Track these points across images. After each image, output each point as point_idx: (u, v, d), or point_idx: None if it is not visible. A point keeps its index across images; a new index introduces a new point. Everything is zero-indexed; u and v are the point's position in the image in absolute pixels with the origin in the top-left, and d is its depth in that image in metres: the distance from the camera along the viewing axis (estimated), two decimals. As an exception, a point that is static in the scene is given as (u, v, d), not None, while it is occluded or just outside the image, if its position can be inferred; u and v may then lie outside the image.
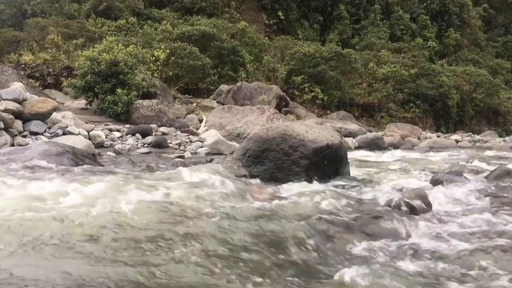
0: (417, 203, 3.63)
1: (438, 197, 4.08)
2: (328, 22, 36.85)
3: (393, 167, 7.26)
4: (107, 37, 14.13)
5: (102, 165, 5.61)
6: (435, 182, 4.87)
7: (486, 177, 5.39)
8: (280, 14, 34.28)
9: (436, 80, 23.38)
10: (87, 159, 5.45)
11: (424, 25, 39.86)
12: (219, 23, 24.35)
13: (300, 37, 32.74)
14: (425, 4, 41.70)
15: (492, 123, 27.36)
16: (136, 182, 3.89)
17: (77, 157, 5.23)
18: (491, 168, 6.27)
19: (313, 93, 19.69)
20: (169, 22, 23.43)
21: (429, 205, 3.70)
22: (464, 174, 5.51)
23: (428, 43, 37.90)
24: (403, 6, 40.40)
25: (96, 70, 12.00)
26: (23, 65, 15.89)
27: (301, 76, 19.88)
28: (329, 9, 36.72)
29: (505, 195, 4.37)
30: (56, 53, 17.25)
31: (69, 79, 13.26)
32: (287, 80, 20.58)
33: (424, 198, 3.74)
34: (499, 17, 50.25)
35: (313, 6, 35.92)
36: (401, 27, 38.45)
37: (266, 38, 28.84)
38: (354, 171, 5.84)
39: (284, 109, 16.76)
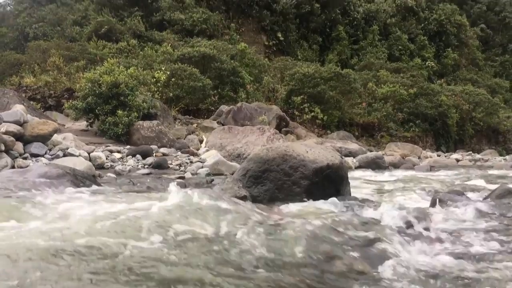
0: (418, 223, 3.61)
1: (439, 216, 4.07)
2: (327, 43, 37.24)
3: (394, 186, 7.25)
4: (108, 59, 14.27)
5: (102, 186, 5.60)
6: (436, 201, 4.85)
7: (487, 197, 5.38)
8: (280, 35, 34.66)
9: (435, 100, 23.50)
10: (88, 180, 5.45)
11: (422, 45, 40.28)
12: (219, 45, 24.61)
13: (300, 57, 33.03)
14: (422, 25, 42.22)
15: (492, 142, 27.39)
16: (131, 202, 3.88)
17: (78, 179, 5.23)
18: (492, 187, 6.26)
19: (313, 113, 19.77)
20: (169, 44, 23.69)
21: (430, 225, 3.69)
22: (465, 193, 5.50)
23: (427, 63, 38.24)
24: (401, 27, 40.88)
25: (97, 92, 12.08)
26: (24, 88, 16.01)
27: (301, 96, 19.99)
28: (328, 30, 37.15)
29: (506, 214, 4.36)
30: (58, 75, 17.39)
31: (70, 101, 13.34)
32: (287, 100, 20.69)
33: (425, 217, 3.73)
34: (497, 37, 50.82)
35: (312, 27, 36.35)
36: (400, 47, 38.84)
37: (266, 59, 29.13)
38: (355, 191, 5.82)
39: (284, 129, 16.80)
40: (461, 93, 26.61)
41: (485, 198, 5.29)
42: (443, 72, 39.72)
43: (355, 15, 38.49)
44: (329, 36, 37.17)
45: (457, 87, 29.45)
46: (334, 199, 4.90)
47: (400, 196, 6.01)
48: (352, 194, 5.42)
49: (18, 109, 8.44)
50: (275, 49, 34.64)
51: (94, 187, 5.24)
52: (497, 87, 37.38)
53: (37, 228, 3.03)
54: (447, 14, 42.57)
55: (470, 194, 5.65)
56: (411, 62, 37.10)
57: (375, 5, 40.32)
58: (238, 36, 31.97)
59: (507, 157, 18.27)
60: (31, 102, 13.91)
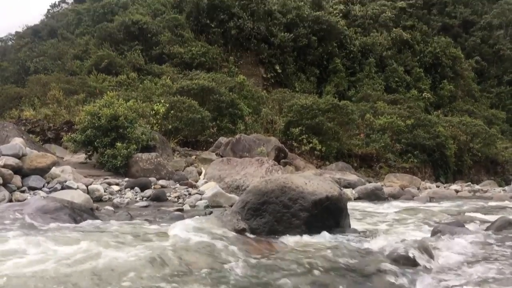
0: (419, 255, 3.58)
1: (440, 248, 4.03)
2: (325, 75, 37.72)
3: (394, 218, 7.20)
4: (108, 92, 14.40)
5: (100, 219, 5.56)
6: (437, 233, 4.82)
7: (487, 228, 5.34)
8: (277, 67, 35.14)
9: (432, 131, 23.62)
10: (85, 213, 5.41)
11: (418, 77, 40.81)
12: (217, 77, 24.90)
13: (297, 89, 33.37)
14: (418, 57, 42.91)
15: (490, 173, 27.38)
16: (129, 238, 3.85)
17: (75, 212, 5.20)
18: (492, 218, 6.23)
19: (311, 144, 19.81)
20: (168, 77, 23.96)
21: (431, 257, 3.65)
22: (465, 225, 5.46)
23: (423, 95, 38.62)
24: (397, 60, 41.51)
25: (96, 124, 12.13)
26: (24, 121, 16.08)
27: (299, 128, 20.08)
28: (325, 62, 37.69)
29: (507, 246, 4.32)
30: (57, 108, 17.50)
31: (69, 133, 13.37)
32: (285, 131, 20.78)
33: (426, 249, 3.69)
34: (491, 69, 51.56)
35: (309, 60, 36.89)
36: (396, 79, 39.32)
37: (264, 91, 29.43)
38: (354, 223, 5.79)
39: (282, 160, 16.80)
40: (458, 124, 26.78)
41: (485, 230, 5.26)
42: (439, 103, 40.07)
43: (352, 48, 39.13)
44: (326, 68, 37.68)
45: (454, 118, 29.65)
46: (334, 231, 4.87)
47: (401, 228, 5.97)
48: (352, 226, 5.39)
49: (17, 142, 8.45)
50: (273, 81, 35.05)
51: (90, 221, 5.21)
52: (494, 118, 37.66)
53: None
54: (442, 47, 43.31)
55: (470, 226, 5.62)
56: (408, 94, 37.47)
57: (371, 38, 41.05)
58: (237, 69, 32.40)
59: (506, 187, 18.21)
60: (30, 135, 13.95)
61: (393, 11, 47.24)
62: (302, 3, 40.39)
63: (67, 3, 52.58)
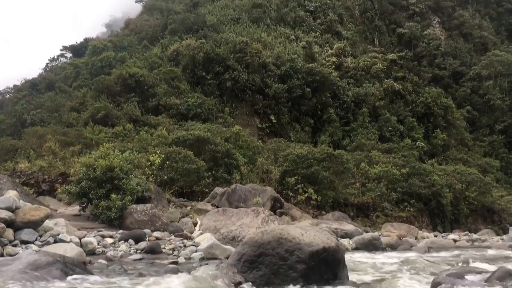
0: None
1: (440, 301, 3.95)
2: (319, 124, 38.16)
3: (392, 269, 7.08)
4: (104, 143, 14.46)
5: (92, 274, 5.44)
6: (437, 285, 4.73)
7: (487, 279, 5.26)
8: (272, 118, 35.59)
9: (428, 179, 23.65)
10: (78, 268, 5.30)
11: (412, 126, 41.36)
12: (213, 128, 25.12)
13: (292, 139, 33.63)
14: (410, 107, 43.68)
15: (488, 221, 27.20)
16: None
17: (67, 267, 5.09)
18: (492, 268, 6.14)
19: (307, 194, 19.74)
20: (164, 128, 24.15)
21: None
22: (465, 276, 5.38)
23: (417, 144, 38.99)
24: (390, 109, 42.19)
25: (91, 176, 12.09)
26: (18, 173, 16.00)
27: (295, 177, 20.07)
28: (319, 112, 38.24)
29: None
30: (53, 160, 17.48)
31: (64, 185, 13.29)
32: (281, 181, 20.74)
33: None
34: (483, 118, 52.39)
35: (304, 110, 37.43)
36: (390, 128, 39.81)
37: (259, 141, 29.63)
38: (352, 275, 5.68)
39: (278, 210, 16.67)
40: (453, 173, 26.86)
41: (486, 281, 5.17)
42: (433, 152, 40.37)
43: (345, 99, 39.84)
44: (320, 118, 38.18)
45: (448, 167, 29.78)
46: (332, 284, 4.78)
47: (400, 280, 5.87)
48: (350, 278, 5.29)
49: (11, 195, 8.39)
50: (268, 131, 35.39)
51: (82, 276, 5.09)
52: (488, 167, 37.84)
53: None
54: (433, 97, 44.20)
55: (470, 277, 5.52)
56: (402, 143, 37.80)
57: (363, 89, 41.89)
58: (232, 119, 32.76)
59: (504, 236, 18.06)
60: (25, 188, 13.84)
61: (384, 63, 48.47)
62: (296, 55, 41.48)
63: (66, 57, 53.73)
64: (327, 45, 49.43)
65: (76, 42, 53.35)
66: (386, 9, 67.08)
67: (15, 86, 46.82)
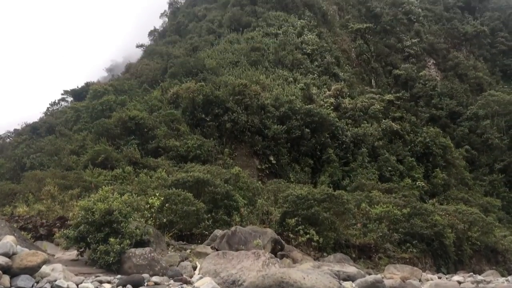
0: None
1: None
2: (318, 165, 38.18)
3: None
4: (103, 187, 14.40)
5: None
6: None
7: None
8: (272, 159, 35.67)
9: (429, 219, 23.44)
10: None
11: (411, 166, 41.43)
12: (213, 169, 25.12)
13: (292, 180, 33.58)
14: (409, 147, 43.91)
15: (492, 262, 26.77)
16: None
17: (64, 314, 4.97)
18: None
19: (308, 235, 19.50)
20: (164, 170, 24.14)
21: None
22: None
23: (417, 183, 38.93)
24: (389, 149, 42.38)
25: (89, 219, 11.98)
26: (16, 217, 15.87)
27: (295, 219, 19.89)
28: (319, 153, 38.35)
29: None
30: (51, 204, 17.39)
31: (62, 229, 13.15)
32: (281, 222, 20.54)
33: None
34: (482, 158, 52.59)
35: (303, 151, 37.56)
36: (389, 168, 39.82)
37: (259, 182, 29.54)
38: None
39: (279, 253, 16.42)
40: (455, 213, 26.66)
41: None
42: (434, 191, 40.24)
43: (344, 139, 40.06)
44: (320, 158, 38.25)
45: (449, 207, 29.58)
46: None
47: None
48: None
49: (8, 241, 8.29)
50: (267, 172, 35.38)
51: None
52: (489, 206, 37.62)
53: None
54: (431, 137, 44.51)
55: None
56: (402, 182, 37.75)
57: (362, 129, 42.21)
58: (232, 161, 32.83)
59: (509, 278, 17.75)
60: (22, 232, 13.68)
61: (382, 103, 49.10)
62: (294, 97, 42.03)
63: (67, 101, 54.32)
64: (324, 86, 50.21)
65: (77, 87, 54.10)
66: (382, 51, 68.65)
67: (15, 130, 47.06)
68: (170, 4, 79.23)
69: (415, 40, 70.92)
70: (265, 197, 24.22)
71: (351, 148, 40.20)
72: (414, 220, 23.23)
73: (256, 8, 60.09)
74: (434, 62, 72.02)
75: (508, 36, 78.54)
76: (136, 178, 23.18)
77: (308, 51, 54.82)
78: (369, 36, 69.05)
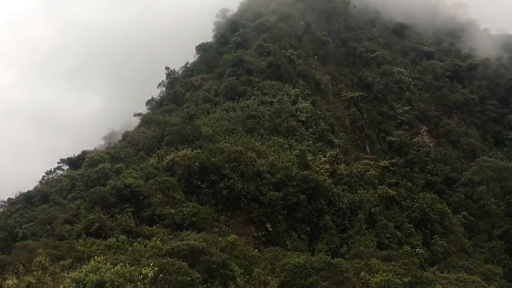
0: None
1: None
2: (316, 232, 37.63)
3: None
4: (95, 257, 14.08)
5: None
6: None
7: None
8: (268, 226, 35.22)
9: (431, 288, 22.83)
10: None
11: (409, 232, 40.93)
12: (208, 237, 24.72)
13: (289, 247, 33.01)
14: (406, 213, 43.55)
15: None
16: None
17: None
18: None
19: (306, 307, 18.89)
20: (159, 239, 23.74)
21: None
22: None
23: (416, 250, 38.26)
24: (386, 216, 42.00)
25: (81, 292, 11.62)
26: (5, 290, 15.35)
27: (293, 289, 19.36)
28: (315, 219, 37.91)
29: None
30: (42, 276, 16.88)
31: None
32: (279, 293, 19.96)
33: None
34: (480, 224, 52.15)
35: (300, 217, 37.18)
36: (387, 235, 39.28)
37: (256, 250, 29.02)
38: None
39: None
40: (456, 281, 26.02)
41: None
42: (433, 259, 39.42)
43: (340, 205, 39.81)
44: (317, 225, 37.78)
45: (451, 275, 28.90)
46: None
47: None
48: None
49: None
50: (264, 239, 34.80)
51: None
52: (491, 274, 36.73)
53: None
54: (428, 203, 44.34)
55: None
56: (401, 250, 37.12)
57: (358, 195, 42.06)
58: (228, 228, 32.44)
59: None
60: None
61: (377, 169, 49.28)
62: (290, 163, 42.20)
63: (62, 170, 54.06)
64: (320, 153, 50.60)
65: (74, 155, 54.13)
66: (375, 118, 70.05)
67: (9, 199, 46.45)
68: (168, 75, 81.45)
69: (407, 107, 72.59)
70: (262, 266, 23.68)
71: (348, 214, 39.84)
72: (416, 289, 22.61)
73: (251, 77, 61.79)
74: (427, 129, 73.30)
75: (497, 104, 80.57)
76: (130, 247, 22.73)
77: (302, 119, 55.78)
78: (362, 104, 70.77)
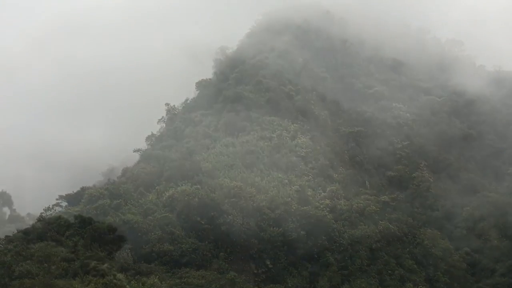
0: None
1: None
2: (316, 269, 37.10)
3: None
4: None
5: None
6: None
7: None
8: (268, 263, 34.77)
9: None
10: None
11: (411, 269, 40.42)
12: (207, 275, 24.38)
13: (290, 285, 32.57)
14: (408, 249, 43.07)
15: None
16: None
17: None
18: None
19: None
20: (157, 277, 23.39)
21: None
22: None
23: (419, 288, 37.66)
24: (388, 252, 41.54)
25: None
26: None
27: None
28: (316, 256, 37.46)
29: None
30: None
31: None
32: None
33: None
34: (483, 260, 51.30)
35: (300, 254, 36.76)
36: (389, 271, 38.80)
37: (256, 287, 28.52)
38: None
39: None
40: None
41: None
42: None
43: (341, 241, 39.41)
44: (317, 262, 37.29)
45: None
46: None
47: None
48: None
49: None
50: (264, 276, 34.29)
51: None
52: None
53: None
54: (429, 239, 43.89)
55: None
56: (404, 287, 36.49)
57: (358, 231, 41.68)
58: (227, 265, 32.01)
59: None
60: None
61: (377, 204, 49.00)
62: (290, 198, 42.00)
63: (61, 206, 53.66)
64: (319, 188, 50.41)
65: (73, 191, 53.86)
66: (374, 153, 70.11)
67: (7, 237, 45.90)
68: (168, 111, 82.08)
69: (406, 142, 72.76)
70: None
71: (349, 250, 39.42)
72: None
73: (250, 113, 62.28)
74: (426, 163, 73.20)
75: (495, 139, 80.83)
76: (128, 286, 22.34)
77: (302, 154, 55.86)
78: (361, 139, 70.91)
